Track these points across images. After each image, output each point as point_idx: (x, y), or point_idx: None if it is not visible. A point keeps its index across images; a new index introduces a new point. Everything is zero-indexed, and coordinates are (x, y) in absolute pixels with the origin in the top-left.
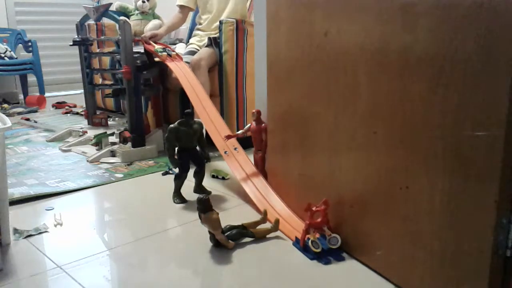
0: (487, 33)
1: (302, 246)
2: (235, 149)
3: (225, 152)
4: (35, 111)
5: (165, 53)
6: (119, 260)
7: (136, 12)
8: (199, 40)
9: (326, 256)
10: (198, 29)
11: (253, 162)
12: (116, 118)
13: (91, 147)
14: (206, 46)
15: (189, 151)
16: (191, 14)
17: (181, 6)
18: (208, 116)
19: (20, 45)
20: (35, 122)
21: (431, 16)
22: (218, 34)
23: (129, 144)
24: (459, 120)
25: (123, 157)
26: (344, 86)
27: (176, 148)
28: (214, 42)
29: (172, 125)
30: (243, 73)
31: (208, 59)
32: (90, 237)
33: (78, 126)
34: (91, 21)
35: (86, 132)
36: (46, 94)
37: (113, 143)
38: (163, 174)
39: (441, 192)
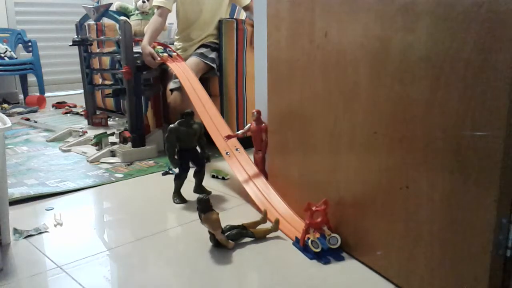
0: (487, 33)
1: (302, 246)
2: (236, 149)
3: (227, 153)
4: (35, 111)
5: (165, 54)
6: (119, 260)
7: (136, 12)
8: (181, 53)
9: (326, 256)
10: (179, 40)
11: (253, 162)
12: (116, 118)
13: (91, 147)
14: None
15: (189, 151)
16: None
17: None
18: (209, 116)
19: (20, 45)
20: (35, 122)
21: (431, 16)
22: (202, 42)
23: (129, 144)
24: (459, 120)
25: (123, 157)
26: (344, 86)
27: (176, 148)
28: (204, 56)
29: (172, 125)
30: (243, 73)
31: (195, 69)
32: (90, 237)
33: (78, 126)
34: (91, 21)
35: (86, 132)
36: (46, 94)
37: (113, 143)
38: (163, 174)
39: (441, 192)
